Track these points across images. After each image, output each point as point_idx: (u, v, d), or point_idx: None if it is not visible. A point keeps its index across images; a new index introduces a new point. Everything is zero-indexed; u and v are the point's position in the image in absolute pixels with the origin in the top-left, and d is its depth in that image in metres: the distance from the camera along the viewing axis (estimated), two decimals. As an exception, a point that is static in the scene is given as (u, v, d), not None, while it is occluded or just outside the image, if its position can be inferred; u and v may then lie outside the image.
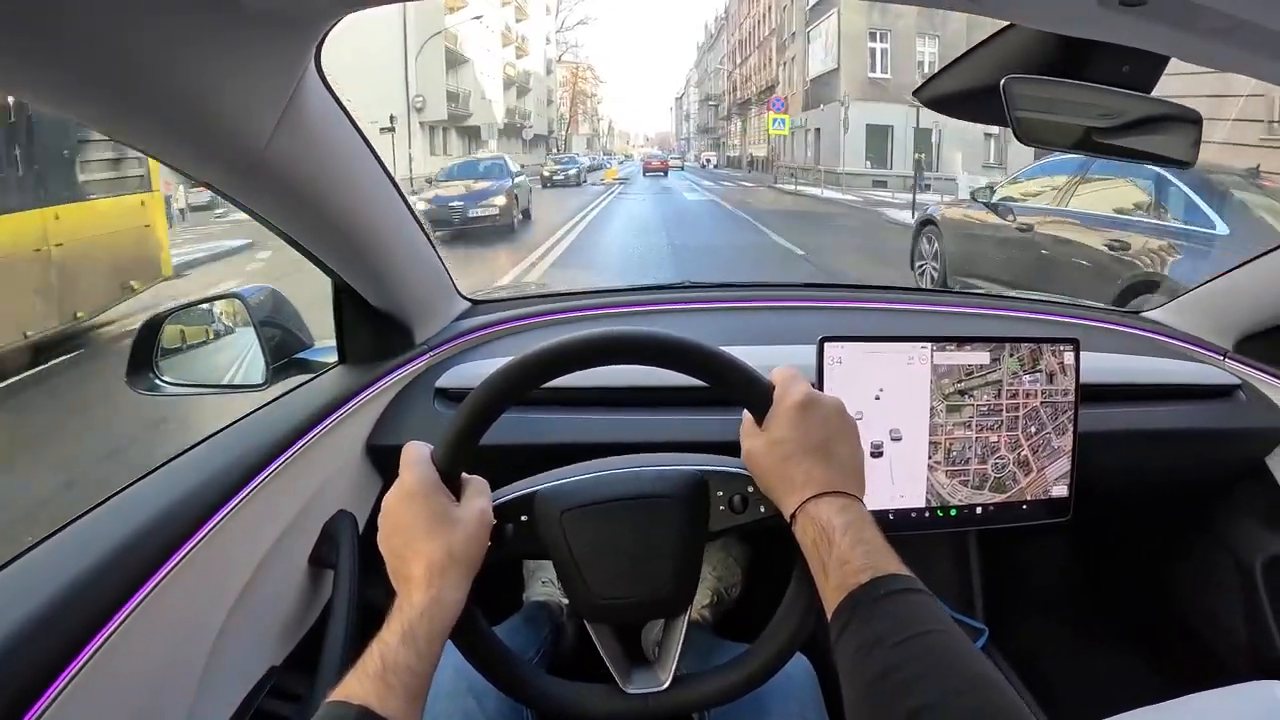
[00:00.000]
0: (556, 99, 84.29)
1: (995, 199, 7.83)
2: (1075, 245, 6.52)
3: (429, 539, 0.78)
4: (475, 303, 1.69)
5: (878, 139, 31.20)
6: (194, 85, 0.73)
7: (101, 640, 0.80)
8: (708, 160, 78.11)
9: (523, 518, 0.89)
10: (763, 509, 0.88)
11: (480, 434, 0.85)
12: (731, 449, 0.92)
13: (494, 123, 42.20)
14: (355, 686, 0.68)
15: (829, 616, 0.72)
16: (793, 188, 29.67)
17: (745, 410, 0.87)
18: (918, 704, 0.60)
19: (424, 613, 0.74)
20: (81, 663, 0.78)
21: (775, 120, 35.32)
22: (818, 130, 37.23)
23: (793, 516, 0.79)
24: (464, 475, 0.86)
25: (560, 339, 0.84)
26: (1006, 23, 0.95)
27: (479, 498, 0.84)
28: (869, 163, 31.42)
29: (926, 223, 9.39)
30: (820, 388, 1.23)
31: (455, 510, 0.81)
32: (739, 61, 72.91)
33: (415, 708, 0.71)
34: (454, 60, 39.98)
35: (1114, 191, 6.55)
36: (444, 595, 0.76)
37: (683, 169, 70.90)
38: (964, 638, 0.67)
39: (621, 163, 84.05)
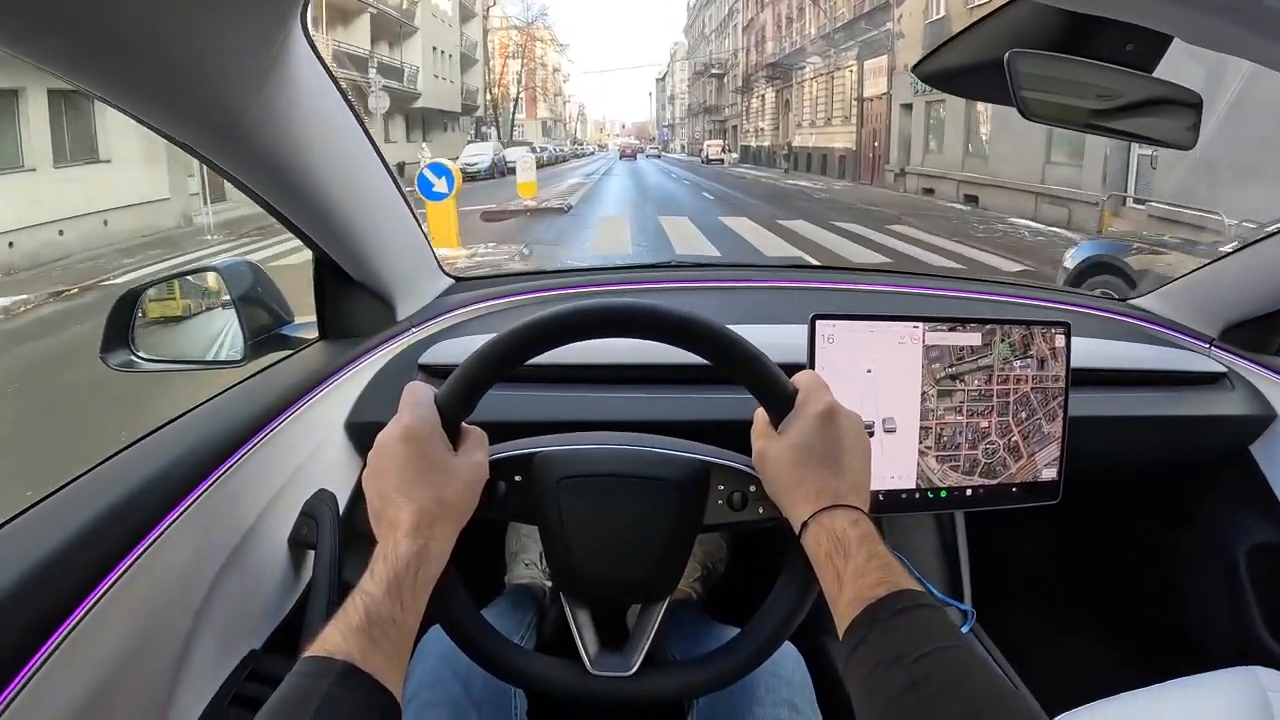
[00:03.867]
0: (492, 66, 60.19)
1: None
2: None
3: (422, 485, 0.76)
4: (458, 279, 1.67)
5: None
6: (177, 42, 0.71)
7: (74, 622, 0.78)
8: (719, 153, 53.62)
9: (517, 478, 0.87)
10: (761, 510, 0.87)
11: (490, 383, 0.83)
12: (731, 429, 0.90)
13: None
14: (338, 639, 0.66)
15: (841, 630, 0.71)
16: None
17: (760, 409, 0.86)
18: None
19: (410, 564, 0.72)
20: (54, 644, 0.75)
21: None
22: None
23: (804, 525, 0.78)
24: (464, 425, 0.84)
25: (592, 302, 0.83)
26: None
27: (477, 450, 0.82)
28: None
29: (1100, 267, 6.40)
30: (811, 365, 1.22)
31: (452, 459, 0.79)
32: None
33: (399, 661, 0.69)
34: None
35: None
36: (432, 547, 0.74)
37: (659, 156, 65.68)
38: (980, 651, 0.67)
39: (589, 154, 72.43)
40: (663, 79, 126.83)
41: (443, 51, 41.46)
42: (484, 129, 52.17)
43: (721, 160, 52.48)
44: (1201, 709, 1.19)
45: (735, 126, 64.25)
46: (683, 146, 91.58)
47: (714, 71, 74.16)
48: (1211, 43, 0.88)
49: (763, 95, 52.69)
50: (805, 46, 38.62)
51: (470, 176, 24.03)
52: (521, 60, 70.38)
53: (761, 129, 53.79)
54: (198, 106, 0.82)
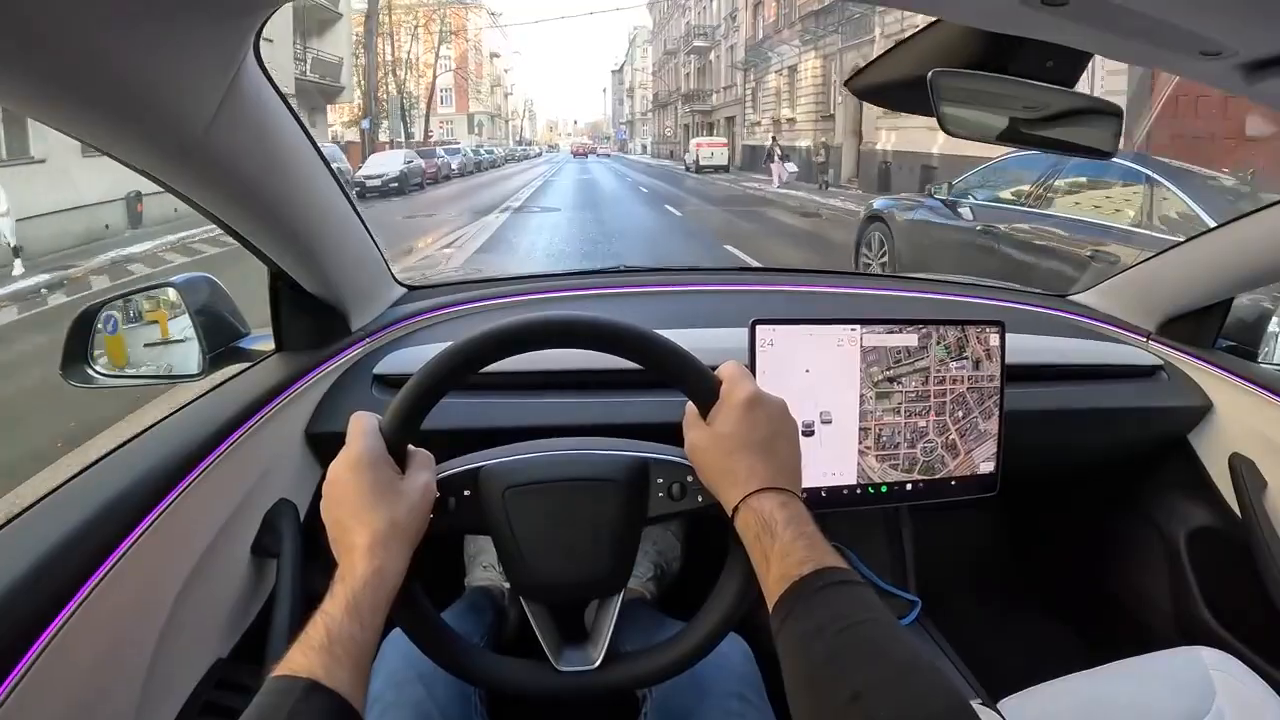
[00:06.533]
0: (396, 40, 43.49)
1: (952, 196, 7.29)
2: (1050, 252, 5.94)
3: (373, 510, 0.79)
4: (411, 289, 1.69)
5: None
6: (133, 71, 0.72)
7: (46, 639, 0.80)
8: (717, 157, 34.04)
9: (466, 492, 0.90)
10: (700, 499, 0.90)
11: (429, 407, 0.86)
12: (669, 430, 0.93)
13: None
14: (300, 659, 0.68)
15: (770, 606, 0.74)
16: None
17: (690, 402, 0.89)
18: (858, 688, 0.63)
19: (367, 583, 0.74)
20: (27, 662, 0.77)
21: None
22: None
23: (735, 509, 0.81)
24: (410, 448, 0.87)
25: (517, 318, 0.85)
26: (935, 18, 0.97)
27: (423, 471, 0.85)
28: None
29: (874, 219, 8.57)
30: (752, 369, 1.25)
31: (400, 482, 0.82)
32: None
33: (361, 678, 0.71)
34: None
35: (1095, 194, 6.06)
36: (386, 566, 0.77)
37: (609, 156, 57.13)
38: (899, 626, 0.70)
39: (532, 157, 61.42)
40: (619, 70, 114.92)
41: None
42: (364, 125, 34.51)
43: (723, 168, 33.08)
44: (1147, 688, 1.23)
45: (732, 119, 42.14)
46: (645, 147, 78.34)
47: (697, 44, 50.53)
48: (1130, 59, 0.92)
49: (791, 68, 31.26)
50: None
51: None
52: (439, 33, 51.43)
53: (789, 121, 30.85)
54: (154, 135, 0.84)
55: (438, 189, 26.33)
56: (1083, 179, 6.20)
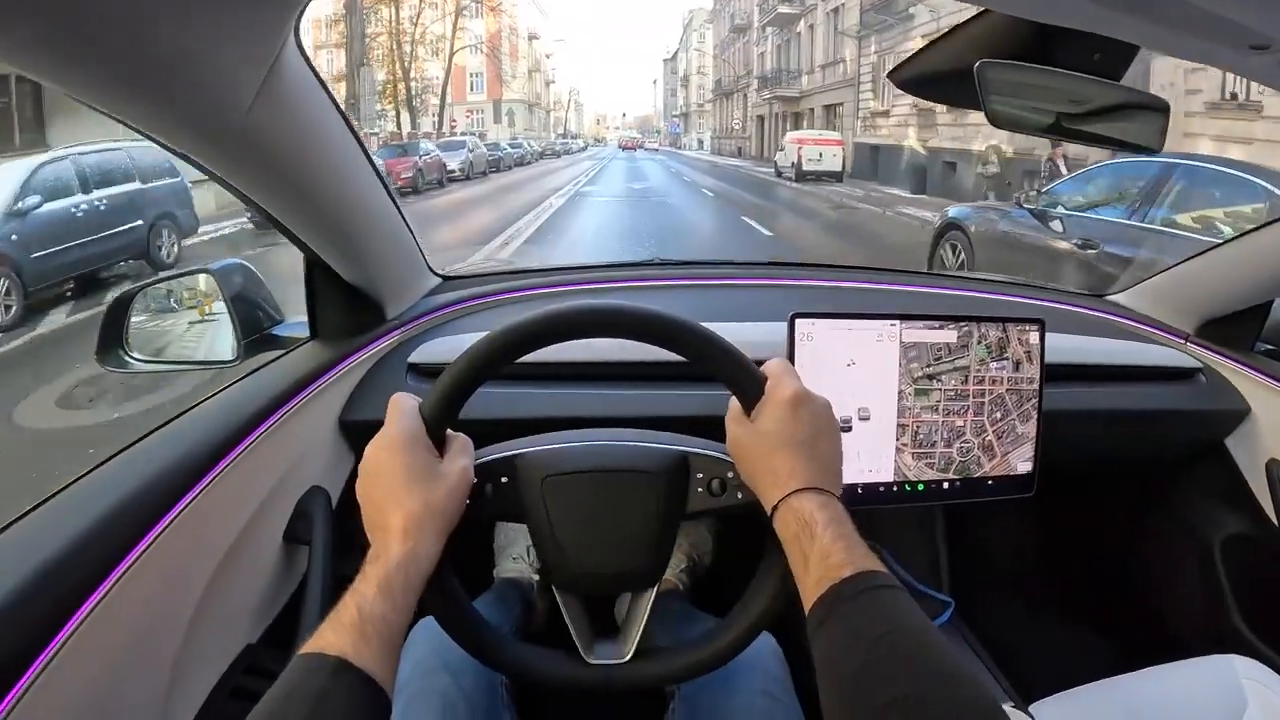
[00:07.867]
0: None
1: (1043, 205, 6.61)
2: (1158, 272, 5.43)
3: (409, 491, 0.78)
4: (446, 279, 1.69)
5: None
6: (175, 55, 0.72)
7: (78, 620, 0.81)
8: (828, 160, 23.19)
9: (503, 479, 0.90)
10: (740, 495, 0.89)
11: (471, 391, 0.85)
12: (709, 424, 0.93)
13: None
14: (331, 637, 0.68)
15: (807, 609, 0.73)
16: None
17: (733, 397, 0.88)
18: (894, 695, 0.63)
19: (400, 565, 0.74)
20: (58, 644, 0.78)
21: None
22: None
23: (774, 508, 0.80)
24: (449, 432, 0.86)
25: (565, 305, 0.85)
26: (981, 8, 0.96)
27: (462, 455, 0.85)
28: None
29: (952, 227, 7.90)
30: (790, 363, 1.24)
31: (438, 465, 0.82)
32: None
33: (390, 658, 0.71)
34: None
35: (1207, 208, 5.52)
36: (420, 549, 0.77)
37: (656, 151, 51.19)
38: (939, 633, 0.69)
39: (574, 152, 54.09)
40: (672, 58, 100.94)
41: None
42: (365, 110, 25.14)
43: (835, 175, 23.57)
44: (1177, 696, 1.21)
45: (832, 107, 30.76)
46: (702, 142, 66.06)
47: (782, 10, 37.50)
48: (1175, 52, 0.90)
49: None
50: None
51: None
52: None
53: (945, 112, 19.89)
54: (195, 119, 0.84)
55: (407, 206, 15.59)
56: (1194, 191, 5.74)
